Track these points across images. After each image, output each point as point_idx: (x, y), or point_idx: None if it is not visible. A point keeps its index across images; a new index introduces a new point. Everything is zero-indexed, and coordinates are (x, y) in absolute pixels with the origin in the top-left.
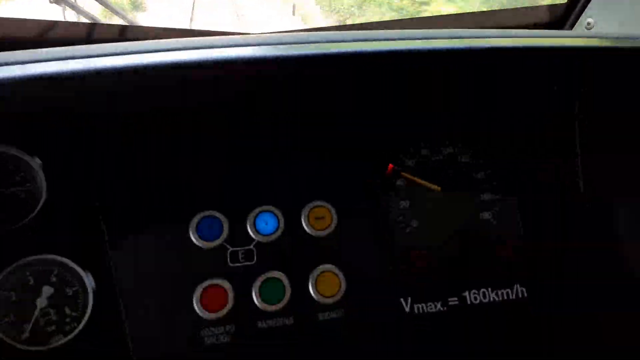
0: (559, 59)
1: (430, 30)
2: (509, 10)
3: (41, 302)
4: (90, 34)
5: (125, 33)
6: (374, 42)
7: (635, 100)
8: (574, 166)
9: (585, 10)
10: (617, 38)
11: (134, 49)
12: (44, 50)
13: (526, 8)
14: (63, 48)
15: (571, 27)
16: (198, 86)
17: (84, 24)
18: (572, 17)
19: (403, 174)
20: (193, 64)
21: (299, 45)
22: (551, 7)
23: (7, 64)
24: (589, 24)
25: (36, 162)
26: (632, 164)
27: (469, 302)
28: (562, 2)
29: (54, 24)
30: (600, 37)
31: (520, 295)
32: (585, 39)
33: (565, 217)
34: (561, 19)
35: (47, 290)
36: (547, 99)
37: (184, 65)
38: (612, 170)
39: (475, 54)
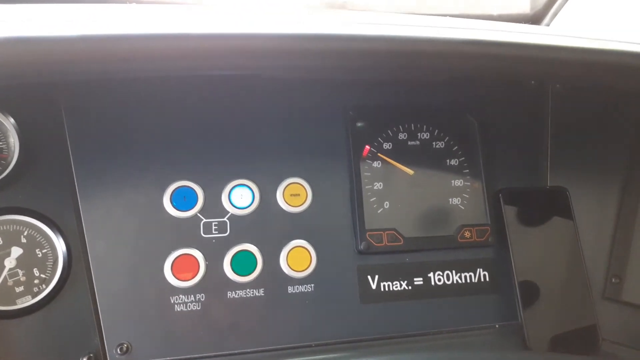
0: (532, 56)
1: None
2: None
3: (10, 262)
4: None
5: None
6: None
7: (597, 98)
8: (544, 159)
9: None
10: (579, 37)
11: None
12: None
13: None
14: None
15: (548, 23)
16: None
17: None
18: (550, 14)
19: (380, 155)
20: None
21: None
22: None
23: None
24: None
25: (10, 122)
26: (596, 160)
27: (433, 283)
28: None
29: None
30: (566, 36)
31: (482, 279)
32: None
33: (531, 206)
34: (539, 15)
35: (15, 250)
36: (523, 92)
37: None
38: (579, 164)
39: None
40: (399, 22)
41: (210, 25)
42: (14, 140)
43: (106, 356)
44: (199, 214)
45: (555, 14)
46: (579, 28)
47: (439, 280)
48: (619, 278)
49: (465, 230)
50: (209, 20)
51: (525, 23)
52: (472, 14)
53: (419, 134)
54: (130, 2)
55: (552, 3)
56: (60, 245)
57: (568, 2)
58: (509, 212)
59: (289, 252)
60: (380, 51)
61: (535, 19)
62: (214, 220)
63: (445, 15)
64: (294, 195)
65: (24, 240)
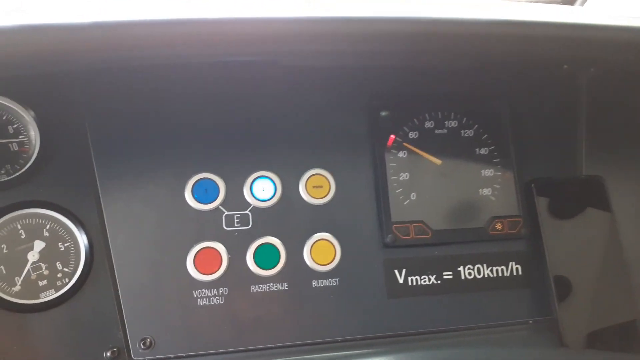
0: (566, 37)
1: None
2: None
3: (33, 256)
4: None
5: None
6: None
7: (635, 81)
8: (579, 147)
9: None
10: (613, 17)
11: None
12: None
13: None
14: None
15: (582, 4)
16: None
17: None
18: None
19: (406, 144)
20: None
21: None
22: None
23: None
24: None
25: (30, 115)
26: (635, 148)
27: (462, 277)
28: None
29: None
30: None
31: (514, 273)
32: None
33: (565, 196)
34: None
35: (38, 244)
36: (553, 79)
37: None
38: (616, 155)
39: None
40: (424, 2)
41: (228, 9)
42: (35, 134)
43: (130, 351)
44: (220, 207)
45: None
46: (613, 8)
47: (470, 274)
48: None
49: (497, 222)
50: (225, 4)
51: (558, 3)
52: None
53: (446, 122)
54: None
55: None
56: (82, 239)
57: None
58: (542, 203)
59: (312, 245)
60: (405, 33)
61: (566, 2)
62: (236, 213)
63: None
64: (317, 187)
65: (46, 233)
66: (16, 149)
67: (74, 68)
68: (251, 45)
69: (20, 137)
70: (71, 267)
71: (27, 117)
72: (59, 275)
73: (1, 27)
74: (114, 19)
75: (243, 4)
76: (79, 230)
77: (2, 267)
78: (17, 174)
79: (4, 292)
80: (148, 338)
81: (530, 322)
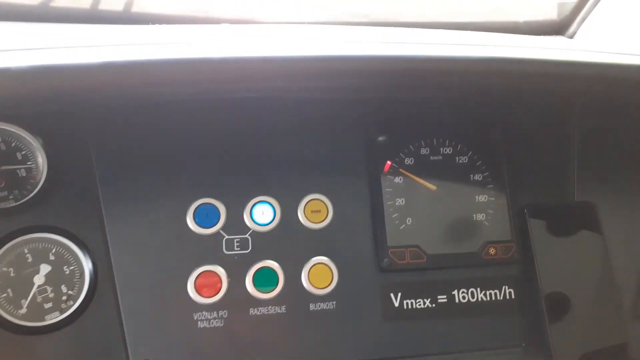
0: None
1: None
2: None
3: (39, 279)
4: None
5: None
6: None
7: (625, 111)
8: (570, 174)
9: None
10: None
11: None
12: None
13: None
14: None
15: (572, 35)
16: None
17: None
18: (574, 24)
19: (402, 170)
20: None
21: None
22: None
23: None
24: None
25: (38, 142)
26: (626, 175)
27: (457, 300)
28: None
29: None
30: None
31: (508, 297)
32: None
33: (557, 222)
34: (566, 21)
35: (44, 267)
36: (546, 107)
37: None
38: (607, 181)
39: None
40: (419, 40)
41: (229, 49)
42: (42, 161)
43: None
44: (221, 231)
45: (582, 21)
46: (604, 39)
47: (464, 297)
48: None
49: (490, 247)
50: (227, 43)
51: (551, 30)
52: (498, 22)
53: (441, 149)
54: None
55: (579, 10)
56: (87, 263)
57: (596, 8)
58: (535, 228)
59: (310, 268)
60: (397, 70)
61: (562, 25)
62: (236, 237)
63: (471, 23)
64: (315, 211)
65: (52, 257)
66: (24, 175)
67: (79, 105)
68: (249, 83)
69: (28, 163)
70: (76, 289)
71: (35, 144)
72: (64, 298)
73: (14, 68)
74: (121, 58)
75: (239, 44)
76: (83, 254)
77: (9, 290)
78: (25, 199)
79: (11, 315)
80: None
81: (523, 345)
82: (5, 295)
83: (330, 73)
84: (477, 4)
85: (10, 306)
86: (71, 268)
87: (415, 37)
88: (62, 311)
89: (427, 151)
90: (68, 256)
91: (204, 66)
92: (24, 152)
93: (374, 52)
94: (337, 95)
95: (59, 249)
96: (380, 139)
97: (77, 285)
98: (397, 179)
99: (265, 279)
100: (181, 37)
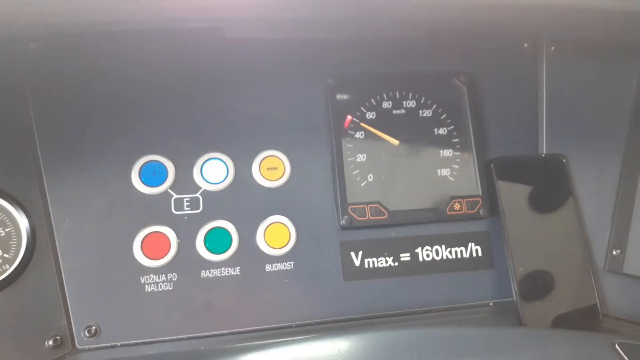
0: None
1: None
2: None
3: None
4: None
5: None
6: None
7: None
8: (539, 126)
9: None
10: None
11: None
12: None
13: None
14: None
15: None
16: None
17: None
18: None
19: (363, 124)
20: None
21: None
22: None
23: None
24: None
25: None
26: (595, 127)
27: (421, 258)
28: None
29: None
30: None
31: (474, 254)
32: None
33: (525, 176)
34: None
35: None
36: (515, 56)
37: None
38: (576, 133)
39: None
40: None
41: None
42: None
43: (73, 338)
44: (169, 190)
45: None
46: None
47: (428, 255)
48: (620, 250)
49: (455, 202)
50: None
51: None
52: None
53: (404, 102)
54: None
55: None
56: (24, 224)
57: None
58: (502, 183)
59: (266, 228)
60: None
61: None
62: (186, 197)
63: None
64: (271, 169)
65: None
66: None
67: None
68: (198, 9)
69: None
70: (12, 253)
71: None
72: None
73: None
74: None
75: None
76: (20, 214)
77: None
78: None
79: None
80: (93, 325)
81: (491, 304)
82: None
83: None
84: None
85: None
86: (7, 230)
87: None
88: None
89: (389, 105)
90: (3, 217)
91: None
92: None
93: None
94: (287, 35)
95: None
96: (340, 92)
97: (13, 248)
98: (358, 134)
99: (217, 239)
100: None
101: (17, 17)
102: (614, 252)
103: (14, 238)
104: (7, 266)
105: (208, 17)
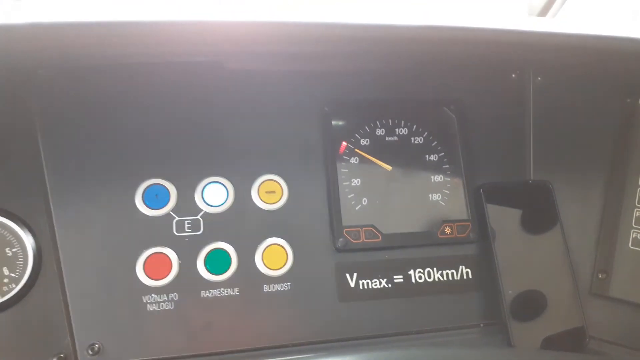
0: (515, 45)
1: None
2: None
3: None
4: None
5: None
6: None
7: (580, 91)
8: (526, 153)
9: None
10: (570, 33)
11: None
12: None
13: None
14: None
15: (554, 15)
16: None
17: None
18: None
19: (357, 150)
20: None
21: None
22: None
23: None
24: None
25: None
26: (581, 154)
27: (413, 280)
28: None
29: None
30: (563, 29)
31: (465, 277)
32: (547, 27)
33: (513, 201)
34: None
35: None
36: (503, 86)
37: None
38: (563, 160)
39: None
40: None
41: (179, 11)
42: None
43: (77, 356)
44: (171, 212)
45: (559, 9)
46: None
47: (420, 277)
48: (605, 273)
49: (446, 226)
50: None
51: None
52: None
53: (397, 130)
54: None
55: (550, 6)
56: (30, 244)
57: (565, 4)
58: (491, 207)
59: (264, 250)
60: (349, 37)
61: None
62: (187, 219)
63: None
64: (270, 192)
65: None
66: None
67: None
68: (200, 45)
69: None
70: (18, 272)
71: None
72: (5, 280)
73: None
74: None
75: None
76: (26, 235)
77: None
78: None
79: None
80: (96, 344)
81: (482, 325)
82: None
83: (279, 37)
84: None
85: None
86: (14, 250)
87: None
88: (2, 294)
89: (382, 132)
90: (11, 238)
91: (142, 27)
92: None
93: (321, 19)
94: (285, 67)
95: (1, 230)
96: (335, 120)
97: (19, 268)
98: (353, 160)
99: (217, 260)
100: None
101: (23, 51)
102: (600, 276)
103: (21, 258)
104: (14, 285)
105: (208, 53)
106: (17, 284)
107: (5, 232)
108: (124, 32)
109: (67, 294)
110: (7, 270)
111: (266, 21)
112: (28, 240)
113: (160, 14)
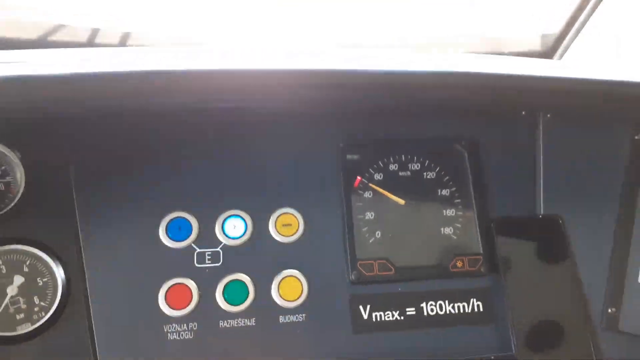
0: (526, 87)
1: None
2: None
3: (12, 290)
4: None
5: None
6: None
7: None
8: (537, 188)
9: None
10: (582, 79)
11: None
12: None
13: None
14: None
15: (560, 57)
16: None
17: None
18: (561, 48)
19: (371, 185)
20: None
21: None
22: (543, 37)
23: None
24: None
25: (17, 157)
26: (591, 188)
27: (425, 313)
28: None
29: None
30: (569, 73)
31: (476, 309)
32: (557, 71)
33: (524, 235)
34: (551, 49)
35: (18, 279)
36: (513, 122)
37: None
38: (573, 194)
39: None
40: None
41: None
42: (20, 175)
43: None
44: (193, 244)
45: (565, 50)
46: (586, 63)
47: (432, 310)
48: (615, 308)
49: (458, 259)
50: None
51: (537, 57)
52: (485, 51)
53: (409, 165)
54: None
55: (562, 40)
56: (60, 275)
57: (578, 38)
58: (502, 242)
59: (280, 281)
60: (374, 84)
61: (545, 56)
62: (208, 250)
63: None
64: (286, 225)
65: (26, 269)
66: (2, 189)
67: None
68: (226, 94)
69: (7, 177)
70: (48, 301)
71: (14, 158)
72: (36, 309)
73: None
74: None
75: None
76: (57, 266)
77: None
78: (2, 212)
79: None
80: None
81: (492, 358)
82: None
83: (303, 85)
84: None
85: None
86: (44, 280)
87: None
88: (33, 322)
89: (395, 167)
90: (42, 268)
91: (177, 77)
92: (3, 167)
93: (347, 66)
94: (308, 108)
95: (33, 261)
96: (350, 155)
97: (49, 297)
98: (367, 194)
99: (235, 292)
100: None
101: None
102: (610, 310)
103: (50, 287)
104: (43, 314)
105: (231, 100)
106: (47, 313)
107: (38, 263)
108: (149, 82)
109: (93, 322)
110: (37, 299)
111: (288, 70)
112: (58, 271)
113: (189, 65)
